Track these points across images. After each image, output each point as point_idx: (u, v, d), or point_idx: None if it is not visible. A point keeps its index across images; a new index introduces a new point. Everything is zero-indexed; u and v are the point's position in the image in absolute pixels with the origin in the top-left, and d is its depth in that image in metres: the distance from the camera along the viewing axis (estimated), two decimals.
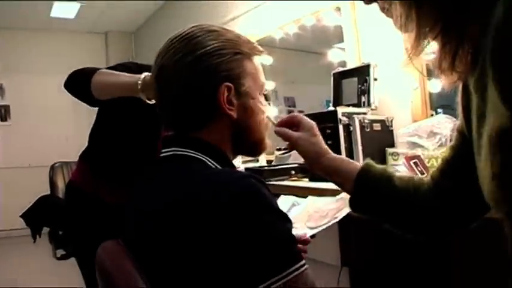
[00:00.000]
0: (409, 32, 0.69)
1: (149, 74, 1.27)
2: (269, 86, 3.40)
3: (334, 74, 2.47)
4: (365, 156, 1.89)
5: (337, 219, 1.16)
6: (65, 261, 2.59)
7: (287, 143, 0.99)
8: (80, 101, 1.55)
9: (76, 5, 5.28)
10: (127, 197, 0.94)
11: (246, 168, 2.27)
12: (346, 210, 1.14)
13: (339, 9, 2.62)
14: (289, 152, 2.26)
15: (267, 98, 0.99)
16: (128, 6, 5.33)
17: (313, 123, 0.99)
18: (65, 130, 6.00)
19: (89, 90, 1.45)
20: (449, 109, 2.03)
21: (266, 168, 2.38)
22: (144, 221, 0.82)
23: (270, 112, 1.00)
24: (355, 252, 1.66)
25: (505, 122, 0.57)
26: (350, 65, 2.49)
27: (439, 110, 2.21)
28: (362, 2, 0.76)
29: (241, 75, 0.89)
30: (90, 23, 6.07)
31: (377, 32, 2.31)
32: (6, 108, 5.99)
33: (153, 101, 1.23)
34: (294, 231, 0.77)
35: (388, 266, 1.74)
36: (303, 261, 0.72)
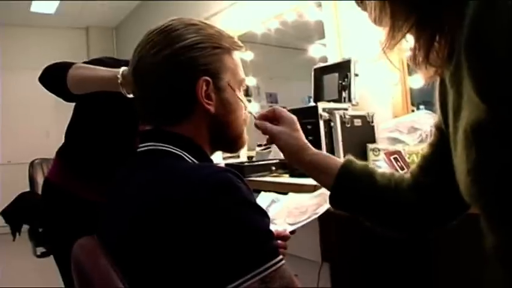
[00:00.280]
0: (383, 25, 0.69)
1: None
2: (251, 82, 3.42)
3: (315, 69, 2.47)
4: (346, 151, 1.89)
5: (317, 215, 1.16)
6: (45, 259, 2.55)
7: (267, 137, 0.98)
8: None
9: (56, 0, 5.21)
10: (103, 194, 0.92)
11: (227, 164, 2.26)
12: (326, 206, 1.14)
13: (320, 4, 2.63)
14: (269, 145, 2.26)
15: (247, 93, 0.98)
16: (108, 1, 5.27)
17: (294, 118, 0.99)
18: (46, 126, 5.93)
19: (64, 84, 1.42)
20: (430, 105, 2.04)
21: (247, 164, 2.36)
22: (119, 219, 0.81)
23: (251, 108, 0.99)
24: (335, 247, 1.67)
25: (480, 116, 0.56)
26: (331, 61, 2.49)
27: (421, 106, 2.22)
28: None
29: (220, 70, 0.88)
30: (71, 18, 6.00)
31: (358, 28, 2.31)
32: None
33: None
34: (274, 227, 0.76)
35: (369, 261, 1.75)
36: (280, 257, 0.71)
